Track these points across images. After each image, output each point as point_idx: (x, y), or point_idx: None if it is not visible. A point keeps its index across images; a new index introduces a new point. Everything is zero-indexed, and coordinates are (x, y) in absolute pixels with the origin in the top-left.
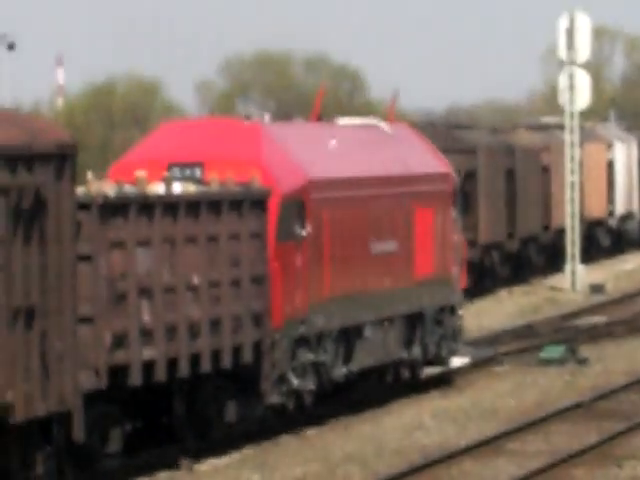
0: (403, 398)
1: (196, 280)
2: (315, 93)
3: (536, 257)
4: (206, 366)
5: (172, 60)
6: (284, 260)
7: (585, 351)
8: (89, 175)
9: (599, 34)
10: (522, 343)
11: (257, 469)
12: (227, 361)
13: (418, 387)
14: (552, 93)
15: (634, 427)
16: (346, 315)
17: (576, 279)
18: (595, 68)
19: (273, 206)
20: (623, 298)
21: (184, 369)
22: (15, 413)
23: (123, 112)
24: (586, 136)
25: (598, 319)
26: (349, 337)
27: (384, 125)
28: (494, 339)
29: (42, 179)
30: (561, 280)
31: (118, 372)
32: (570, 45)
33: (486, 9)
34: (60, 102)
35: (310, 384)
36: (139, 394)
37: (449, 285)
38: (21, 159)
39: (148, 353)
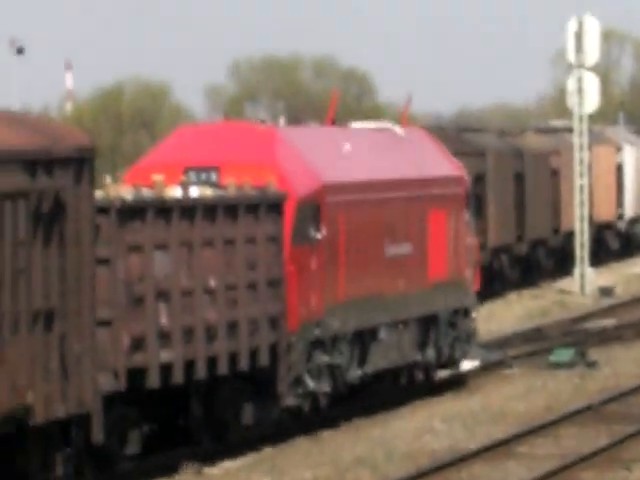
0: (413, 401)
1: (213, 283)
2: (323, 96)
3: (545, 260)
4: (223, 368)
5: (181, 64)
6: (300, 263)
7: (594, 354)
8: (107, 179)
9: (608, 37)
10: (531, 346)
11: (267, 472)
12: (244, 363)
13: (428, 390)
14: (561, 96)
15: None
16: (361, 318)
17: (585, 282)
18: (604, 71)
19: (289, 210)
20: (632, 301)
21: (201, 371)
22: (35, 415)
23: (132, 116)
24: (595, 139)
25: (607, 322)
26: (364, 340)
27: (398, 129)
28: (503, 342)
29: (61, 183)
30: (570, 283)
31: (136, 374)
32: (579, 48)
33: (495, 13)
34: (69, 107)
35: (326, 386)
36: (156, 396)
37: (463, 288)
38: (41, 163)
39: (166, 356)
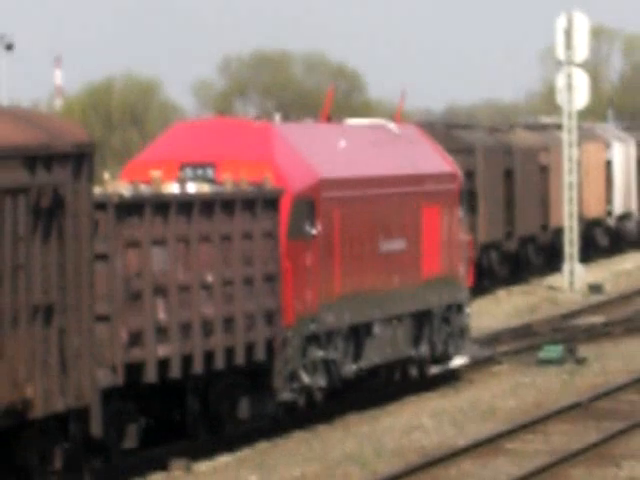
0: (402, 398)
1: (210, 278)
2: (313, 93)
3: (534, 257)
4: (220, 363)
5: (170, 60)
6: (295, 259)
7: (584, 351)
8: (106, 175)
9: (597, 34)
10: (521, 343)
11: (256, 469)
12: (240, 358)
13: (417, 386)
14: (550, 93)
15: (633, 427)
16: (356, 313)
17: (574, 279)
18: (593, 68)
19: (284, 205)
20: (621, 298)
21: (198, 366)
22: (34, 408)
23: (121, 112)
24: (584, 136)
25: (596, 319)
26: (359, 335)
27: (392, 125)
28: (493, 339)
29: (60, 178)
30: (559, 280)
31: (134, 369)
32: (568, 45)
33: (484, 9)
34: (58, 103)
35: (321, 381)
36: (152, 391)
37: (456, 283)
38: (40, 159)
39: (163, 350)
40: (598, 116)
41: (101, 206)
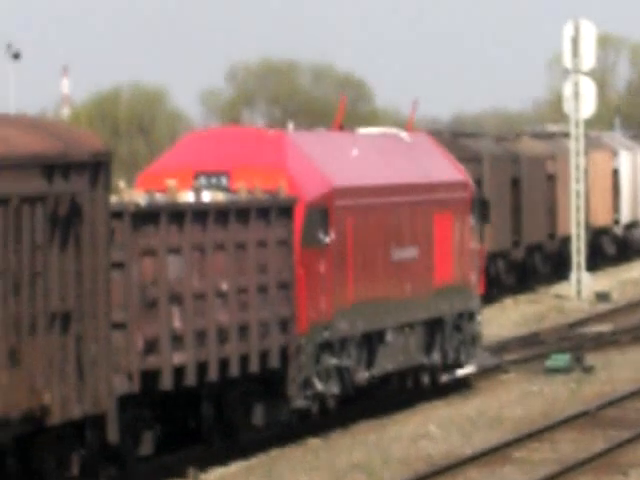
0: (409, 406)
1: (225, 286)
2: (320, 102)
3: (542, 265)
4: (234, 370)
5: (178, 69)
6: (309, 266)
7: (591, 359)
8: (121, 184)
9: (604, 42)
10: (528, 351)
11: (263, 477)
12: (255, 365)
13: (424, 395)
14: (557, 101)
15: None
16: (369, 320)
17: (582, 287)
18: (600, 76)
19: (298, 213)
20: (629, 306)
21: (213, 373)
22: (52, 415)
23: (128, 121)
24: (591, 144)
25: (604, 327)
26: (371, 342)
27: (404, 134)
28: (500, 347)
29: (77, 187)
30: (567, 288)
31: (149, 376)
32: (575, 53)
33: (491, 18)
34: (66, 112)
35: (334, 388)
36: (167, 398)
37: (468, 291)
38: (58, 168)
39: (179, 358)
40: (605, 124)
41: (117, 215)
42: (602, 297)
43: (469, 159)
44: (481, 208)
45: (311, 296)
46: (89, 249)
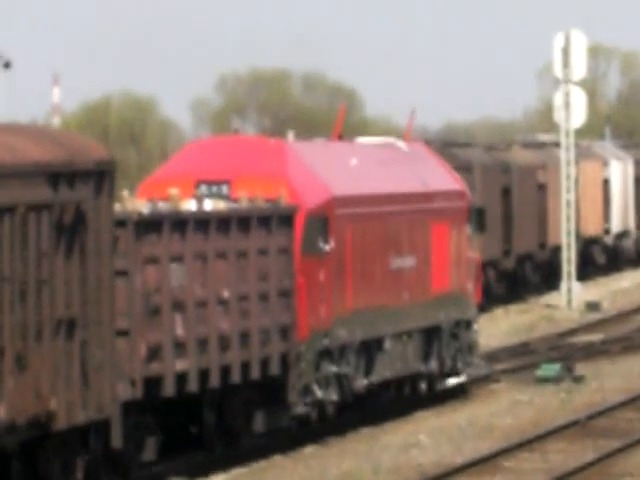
0: (399, 415)
1: (226, 294)
2: (311, 111)
3: (532, 275)
4: (236, 377)
5: (167, 77)
6: (309, 274)
7: (581, 369)
8: (125, 193)
9: (595, 52)
10: (518, 361)
11: None
12: (256, 372)
13: (414, 404)
14: (548, 111)
15: (630, 445)
16: (367, 328)
17: (572, 297)
18: (591, 85)
19: (298, 222)
20: (619, 316)
21: (215, 380)
22: (57, 420)
23: (119, 130)
24: (582, 154)
25: (594, 337)
26: (370, 350)
27: (401, 144)
28: (490, 357)
29: (82, 195)
30: (557, 298)
31: (152, 383)
32: (566, 63)
33: (482, 27)
34: (56, 121)
35: (333, 395)
36: (169, 405)
37: (465, 300)
38: (63, 176)
39: (181, 365)
40: (596, 134)
41: (121, 223)
42: (592, 307)
43: (460, 168)
44: (477, 217)
45: (311, 304)
46: (94, 257)
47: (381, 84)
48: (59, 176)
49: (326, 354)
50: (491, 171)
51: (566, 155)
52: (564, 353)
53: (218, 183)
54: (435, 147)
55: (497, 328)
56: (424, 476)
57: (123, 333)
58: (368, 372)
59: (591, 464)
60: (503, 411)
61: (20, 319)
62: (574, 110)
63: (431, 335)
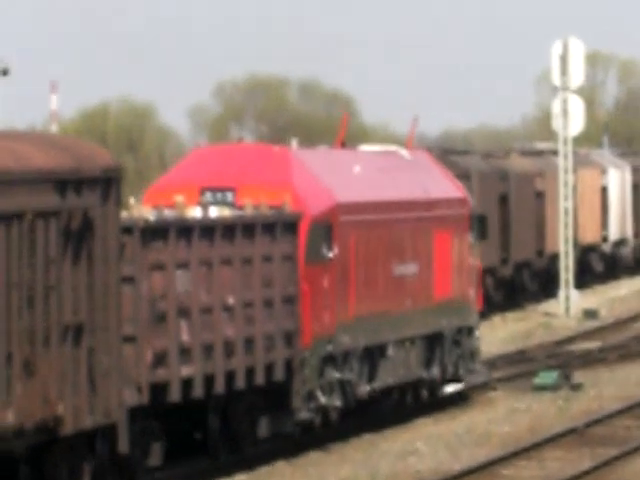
0: (397, 423)
1: (231, 300)
2: (308, 118)
3: (530, 283)
4: (240, 383)
5: (165, 84)
6: (313, 281)
7: (579, 377)
8: (131, 200)
9: (593, 59)
10: (516, 369)
11: None
12: (260, 378)
13: (412, 411)
14: (546, 118)
15: (628, 453)
16: (370, 335)
17: (570, 305)
18: (589, 93)
19: (302, 229)
20: (617, 324)
21: (220, 386)
22: (65, 425)
23: (116, 136)
24: (580, 162)
25: (592, 345)
26: (373, 356)
27: (404, 151)
28: (488, 365)
29: (89, 202)
30: (555, 306)
31: (158, 389)
32: (564, 71)
33: (480, 34)
34: (54, 128)
35: (337, 401)
36: (174, 410)
37: (466, 307)
38: (70, 183)
39: (186, 371)
40: (594, 141)
41: (127, 230)
42: (590, 314)
43: (458, 176)
44: (479, 225)
45: (315, 310)
46: (100, 263)
47: (378, 91)
48: (66, 183)
49: (330, 360)
50: (489, 178)
51: (564, 163)
52: (562, 361)
53: (223, 190)
54: (433, 154)
55: (495, 336)
56: None
57: (129, 339)
58: (371, 378)
59: (588, 472)
60: (501, 419)
61: (28, 325)
62: (572, 118)
63: (433, 342)
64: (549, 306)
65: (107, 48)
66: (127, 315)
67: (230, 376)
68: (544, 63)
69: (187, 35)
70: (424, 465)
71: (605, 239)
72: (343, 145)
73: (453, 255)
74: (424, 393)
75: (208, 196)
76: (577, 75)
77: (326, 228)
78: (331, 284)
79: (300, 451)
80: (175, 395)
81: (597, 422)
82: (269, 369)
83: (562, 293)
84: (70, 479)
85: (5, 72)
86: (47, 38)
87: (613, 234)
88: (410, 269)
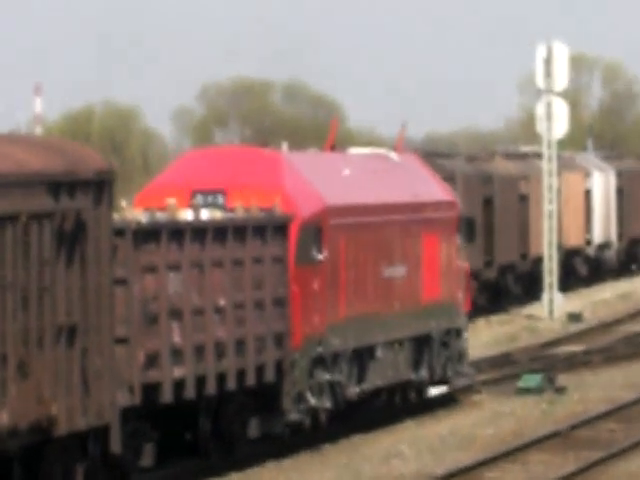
0: (380, 426)
1: (222, 302)
2: (293, 121)
3: (514, 286)
4: (231, 384)
5: (150, 87)
6: (303, 283)
7: (563, 380)
8: (123, 202)
9: (577, 62)
10: (500, 372)
11: None
12: (251, 379)
13: (396, 414)
14: (530, 121)
15: (612, 456)
16: (360, 336)
17: (554, 308)
18: (573, 96)
19: (293, 231)
20: (601, 327)
21: (211, 387)
22: (58, 426)
23: (101, 139)
24: (564, 165)
25: (576, 348)
26: (362, 358)
27: (393, 154)
28: (472, 368)
29: (83, 204)
30: (539, 309)
31: (150, 390)
32: (548, 74)
33: (463, 38)
34: (38, 131)
35: (326, 402)
36: (166, 411)
37: (455, 309)
38: (64, 185)
39: (178, 372)
40: (578, 145)
41: (120, 232)
42: (574, 317)
43: (442, 179)
44: (467, 227)
45: (305, 312)
46: (93, 265)
47: (362, 95)
48: (60, 185)
49: (319, 362)
50: (473, 181)
51: (548, 166)
52: (546, 364)
53: (214, 193)
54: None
55: (479, 339)
56: None
57: (122, 340)
58: (360, 380)
59: (572, 475)
60: (485, 422)
61: (22, 326)
62: (556, 121)
63: (422, 344)
64: (533, 309)
65: (91, 50)
66: (120, 316)
67: (221, 377)
68: (528, 66)
69: (171, 38)
70: (407, 468)
71: (589, 242)
72: (333, 148)
73: (442, 257)
74: (412, 395)
75: (199, 198)
76: (561, 78)
77: (316, 230)
78: (321, 286)
79: (290, 452)
80: (167, 396)
81: (581, 425)
82: (260, 370)
83: (546, 296)
84: (63, 479)
85: None
86: (31, 41)
87: (597, 237)
88: (399, 271)
